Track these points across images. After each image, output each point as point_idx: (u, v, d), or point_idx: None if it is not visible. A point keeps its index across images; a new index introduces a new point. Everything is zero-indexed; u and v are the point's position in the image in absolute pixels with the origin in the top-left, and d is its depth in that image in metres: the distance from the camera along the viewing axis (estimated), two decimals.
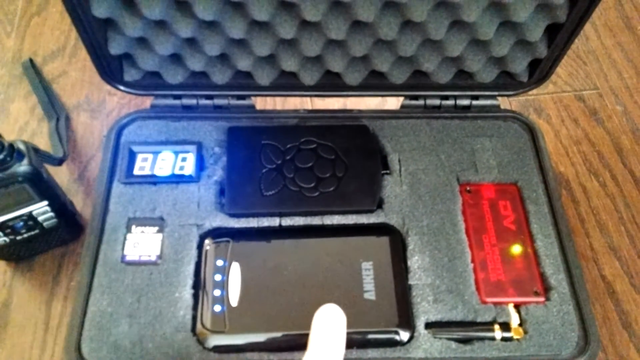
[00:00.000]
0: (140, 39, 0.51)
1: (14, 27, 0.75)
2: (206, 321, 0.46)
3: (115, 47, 0.51)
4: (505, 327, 0.48)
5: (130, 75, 0.54)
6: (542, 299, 0.49)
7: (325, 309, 0.44)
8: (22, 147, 0.49)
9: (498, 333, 0.47)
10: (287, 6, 0.49)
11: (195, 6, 0.48)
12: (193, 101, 0.56)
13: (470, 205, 0.53)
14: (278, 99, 0.71)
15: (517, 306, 0.49)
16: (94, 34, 0.48)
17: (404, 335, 0.47)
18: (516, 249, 0.51)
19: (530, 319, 0.48)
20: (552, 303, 0.49)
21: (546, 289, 0.50)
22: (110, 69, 0.53)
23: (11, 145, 0.48)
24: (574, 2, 0.48)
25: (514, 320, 0.48)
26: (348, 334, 0.46)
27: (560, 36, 0.51)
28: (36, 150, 0.52)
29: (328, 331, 0.43)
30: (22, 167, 0.48)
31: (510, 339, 0.47)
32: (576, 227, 0.64)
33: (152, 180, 0.53)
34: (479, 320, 0.48)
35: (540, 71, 0.56)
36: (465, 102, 0.58)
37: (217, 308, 0.47)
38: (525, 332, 0.47)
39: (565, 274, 0.50)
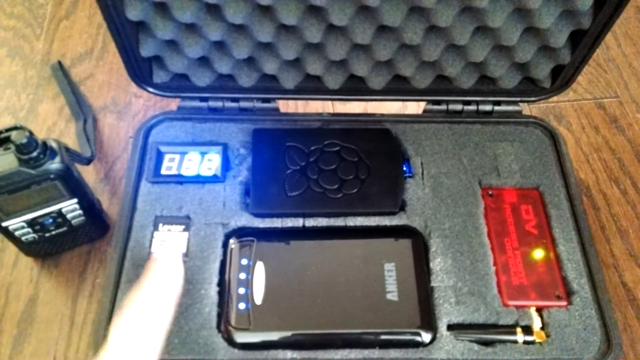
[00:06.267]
0: (170, 42, 0.52)
1: (43, 30, 0.77)
2: (231, 318, 0.47)
3: (146, 50, 0.52)
4: (528, 330, 0.48)
5: (159, 77, 0.56)
6: (564, 302, 0.49)
7: (161, 258, 0.45)
8: (54, 145, 0.50)
9: (520, 336, 0.47)
10: (315, 10, 0.50)
11: (225, 10, 0.49)
12: (219, 103, 0.57)
13: (492, 209, 0.54)
14: (300, 102, 0.71)
15: (539, 310, 0.49)
16: (126, 36, 0.50)
17: (425, 337, 0.47)
18: (538, 253, 0.52)
19: (553, 322, 0.48)
20: (575, 307, 0.49)
21: (568, 293, 0.50)
22: (140, 71, 0.54)
23: (44, 143, 0.49)
24: (598, 8, 0.49)
25: (536, 324, 0.48)
26: (370, 333, 0.47)
27: (584, 42, 0.52)
28: (67, 149, 0.53)
29: (163, 273, 0.44)
30: (55, 164, 0.49)
31: (532, 342, 0.47)
32: (597, 234, 0.64)
33: (179, 179, 0.54)
34: (501, 322, 0.48)
35: (562, 77, 0.56)
36: (488, 107, 0.59)
37: (242, 306, 0.48)
38: (548, 336, 0.48)
39: (587, 279, 0.50)
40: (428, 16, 0.50)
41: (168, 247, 0.50)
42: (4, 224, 0.51)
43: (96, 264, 0.60)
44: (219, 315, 0.48)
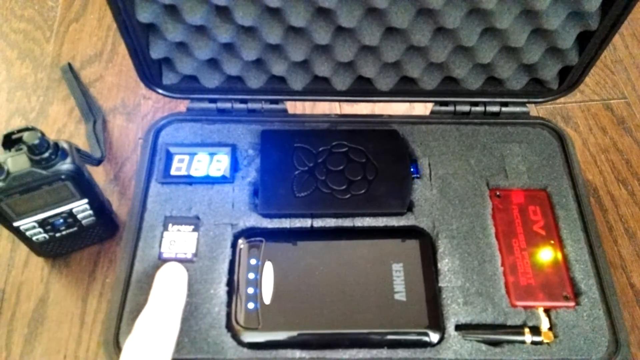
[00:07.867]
0: (180, 44, 0.53)
1: (53, 33, 0.78)
2: (240, 318, 0.47)
3: (156, 52, 0.53)
4: (535, 330, 0.48)
5: (168, 79, 0.56)
6: (572, 303, 0.49)
7: (166, 266, 0.47)
8: (65, 146, 0.51)
9: (528, 337, 0.47)
10: (323, 12, 0.50)
11: (235, 12, 0.49)
12: (228, 105, 0.58)
13: (500, 210, 0.54)
14: (308, 103, 0.72)
15: (547, 310, 0.49)
16: (136, 38, 0.50)
17: (433, 337, 0.47)
18: (546, 254, 0.52)
19: (560, 323, 0.48)
20: (582, 308, 0.49)
21: (576, 294, 0.50)
22: (150, 73, 0.54)
23: (56, 144, 0.49)
24: (606, 10, 0.49)
25: (544, 324, 0.48)
26: (378, 333, 0.48)
27: (592, 44, 0.52)
28: (78, 149, 0.53)
29: (167, 285, 0.45)
30: (66, 165, 0.49)
31: (540, 343, 0.48)
32: (604, 235, 0.64)
33: (188, 180, 0.54)
34: (509, 323, 0.48)
35: (570, 79, 0.56)
36: (495, 108, 0.59)
37: (251, 305, 0.48)
38: (555, 336, 0.48)
39: (595, 279, 0.50)
40: (436, 18, 0.50)
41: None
42: (15, 224, 0.52)
43: (106, 264, 0.60)
44: (228, 315, 0.48)
